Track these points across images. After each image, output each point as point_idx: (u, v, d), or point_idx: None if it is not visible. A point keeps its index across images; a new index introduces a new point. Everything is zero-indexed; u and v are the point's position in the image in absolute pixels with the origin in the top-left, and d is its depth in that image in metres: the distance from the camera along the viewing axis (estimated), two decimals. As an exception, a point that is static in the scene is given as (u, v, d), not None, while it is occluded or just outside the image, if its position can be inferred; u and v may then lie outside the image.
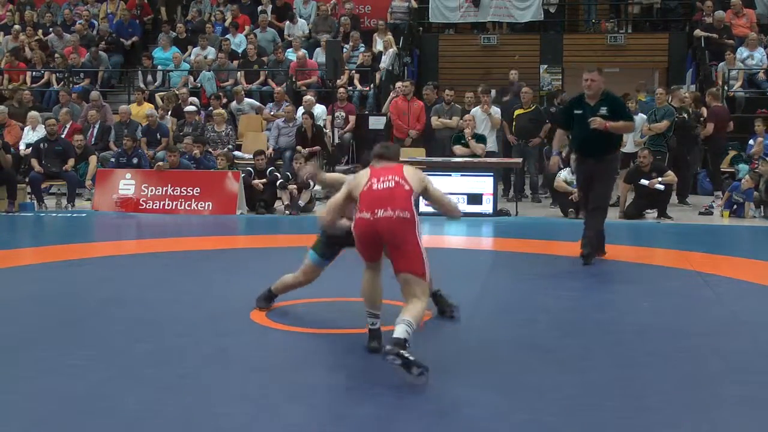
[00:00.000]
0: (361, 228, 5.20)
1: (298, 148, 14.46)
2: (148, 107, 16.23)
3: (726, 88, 16.26)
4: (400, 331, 4.84)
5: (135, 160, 14.06)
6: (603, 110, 8.66)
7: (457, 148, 13.56)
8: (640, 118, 13.80)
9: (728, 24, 17.56)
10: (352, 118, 15.91)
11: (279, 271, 6.68)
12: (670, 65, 19.57)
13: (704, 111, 14.54)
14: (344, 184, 5.55)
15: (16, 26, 19.70)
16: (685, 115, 13.83)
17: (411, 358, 4.75)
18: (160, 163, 13.75)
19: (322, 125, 15.32)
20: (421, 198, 5.44)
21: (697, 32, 17.80)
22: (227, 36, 18.64)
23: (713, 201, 13.50)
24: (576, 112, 8.84)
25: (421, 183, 5.31)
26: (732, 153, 15.11)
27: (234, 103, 16.53)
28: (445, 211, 5.59)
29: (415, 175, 5.30)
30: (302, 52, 17.30)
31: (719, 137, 14.29)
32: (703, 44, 17.55)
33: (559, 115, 9.13)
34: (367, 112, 15.88)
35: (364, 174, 5.39)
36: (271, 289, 6.55)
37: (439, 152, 14.01)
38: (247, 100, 16.67)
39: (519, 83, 15.86)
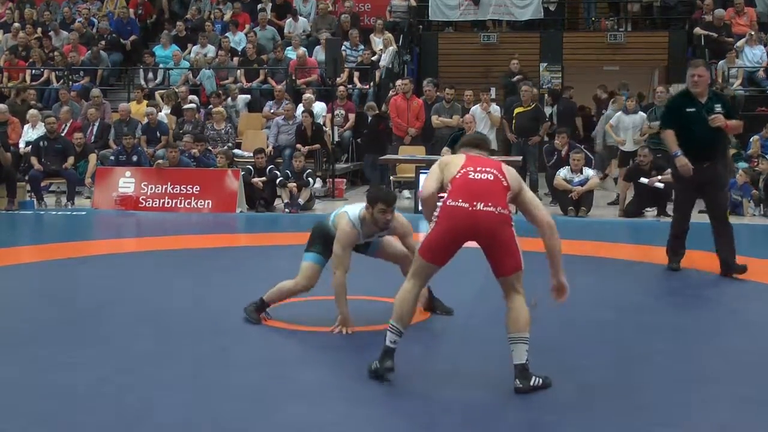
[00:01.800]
0: (456, 217, 4.67)
1: (298, 146, 14.46)
2: (149, 105, 16.23)
3: (726, 86, 16.24)
4: (521, 355, 4.63)
5: (135, 158, 14.05)
6: (718, 107, 7.92)
7: (444, 151, 13.46)
8: (640, 116, 13.80)
9: (728, 22, 17.55)
10: (351, 117, 15.91)
11: (279, 269, 6.68)
12: (669, 63, 19.56)
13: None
14: (434, 164, 5.06)
15: (16, 24, 19.68)
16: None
17: (539, 381, 4.61)
18: (160, 161, 13.74)
19: (321, 123, 15.32)
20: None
21: (697, 30, 17.78)
22: (227, 34, 18.64)
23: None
24: (688, 110, 7.94)
25: (518, 182, 4.89)
26: (732, 152, 15.09)
27: (229, 100, 16.54)
28: (532, 220, 4.94)
29: (512, 173, 4.89)
30: (302, 50, 17.29)
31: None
32: (703, 42, 17.54)
33: (668, 116, 8.23)
34: (366, 111, 15.85)
35: (458, 159, 4.93)
36: (263, 299, 6.26)
37: (439, 151, 13.99)
38: (240, 96, 16.71)
39: (521, 77, 15.83)
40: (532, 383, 4.61)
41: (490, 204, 4.66)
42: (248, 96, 17.02)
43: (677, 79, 17.94)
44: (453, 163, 4.89)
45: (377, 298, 6.59)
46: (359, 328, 5.93)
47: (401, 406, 4.48)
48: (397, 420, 4.31)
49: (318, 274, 6.14)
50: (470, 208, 4.64)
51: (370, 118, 15.41)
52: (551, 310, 6.64)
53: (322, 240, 6.17)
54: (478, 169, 4.80)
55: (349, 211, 5.96)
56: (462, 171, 4.79)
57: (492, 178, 4.76)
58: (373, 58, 17.29)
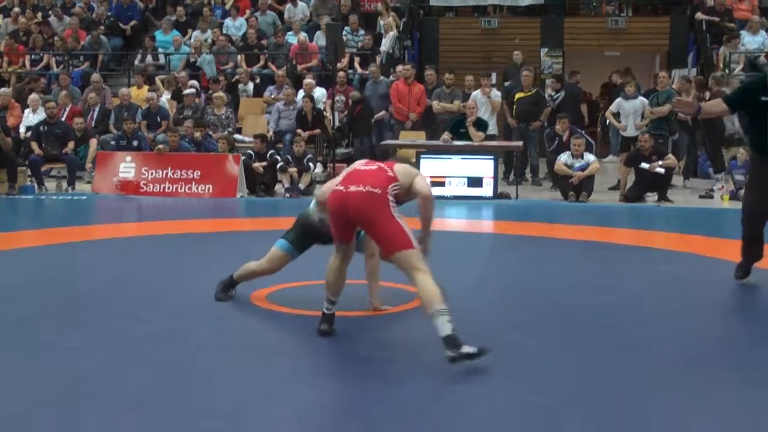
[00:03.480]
0: (333, 199, 5.14)
1: (299, 131, 14.45)
2: (150, 90, 16.21)
3: (727, 71, 16.21)
4: (443, 327, 4.68)
5: (135, 143, 14.04)
6: None
7: (445, 135, 13.45)
8: (641, 101, 13.78)
9: (729, 7, 17.50)
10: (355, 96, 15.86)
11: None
12: (671, 49, 19.51)
13: (707, 95, 14.50)
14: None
15: (16, 9, 19.64)
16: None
17: (472, 350, 4.64)
18: (160, 146, 13.73)
19: (322, 108, 15.30)
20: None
21: (699, 15, 17.73)
22: (226, 20, 18.60)
23: (714, 184, 13.49)
24: (763, 99, 6.86)
25: (410, 177, 5.21)
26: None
27: (241, 85, 16.59)
28: (414, 193, 5.20)
29: (404, 170, 5.25)
30: (303, 35, 17.26)
31: (719, 121, 14.26)
32: (704, 27, 17.50)
33: (737, 96, 7.22)
34: (351, 98, 15.78)
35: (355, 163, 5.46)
36: (233, 276, 6.40)
37: (440, 136, 14.00)
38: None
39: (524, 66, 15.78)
40: (464, 351, 4.64)
41: (361, 185, 5.04)
42: (257, 79, 16.98)
43: (679, 64, 17.94)
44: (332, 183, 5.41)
45: (380, 282, 6.59)
46: (358, 313, 5.94)
47: (400, 389, 4.48)
48: (395, 402, 4.31)
49: (283, 261, 6.18)
50: (344, 190, 5.08)
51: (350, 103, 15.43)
52: (551, 294, 6.67)
53: (299, 229, 6.17)
54: (368, 164, 5.31)
55: None
56: (353, 167, 5.32)
57: (375, 168, 5.21)
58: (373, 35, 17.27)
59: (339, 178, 5.33)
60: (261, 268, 6.25)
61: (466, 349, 4.66)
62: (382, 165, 5.26)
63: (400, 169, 5.23)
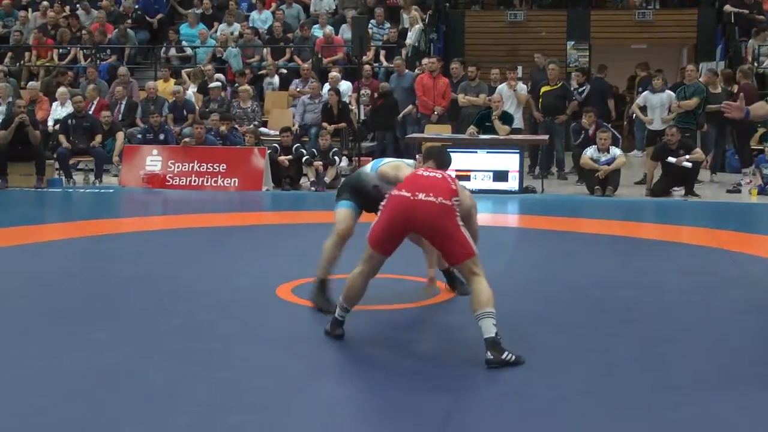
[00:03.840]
0: (397, 205, 4.92)
1: (324, 124, 14.46)
2: (176, 83, 16.28)
3: (756, 64, 16.08)
4: (488, 329, 4.73)
5: (162, 137, 14.11)
6: None
7: (471, 129, 13.42)
8: (668, 95, 13.70)
9: (759, -1, 17.35)
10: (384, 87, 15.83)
11: (304, 247, 6.69)
12: (698, 41, 19.35)
13: (735, 88, 14.40)
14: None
15: (45, 2, 19.77)
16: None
17: (512, 358, 4.69)
18: (186, 140, 13.80)
19: (347, 102, 15.31)
20: None
21: (727, 8, 17.58)
22: (252, 12, 18.64)
23: (741, 179, 13.40)
24: None
25: (469, 205, 5.24)
26: (761, 131, 14.96)
27: (268, 78, 16.65)
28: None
29: (466, 193, 5.23)
30: (329, 29, 17.27)
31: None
32: (732, 20, 17.34)
33: None
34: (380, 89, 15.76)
35: (413, 165, 5.52)
36: (320, 278, 5.99)
37: (465, 129, 13.97)
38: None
39: (549, 60, 15.69)
40: (504, 357, 4.69)
41: (431, 194, 4.85)
42: (284, 71, 17.02)
43: (706, 57, 17.79)
44: (407, 168, 5.43)
45: (405, 276, 6.61)
46: (384, 307, 5.95)
47: (424, 383, 4.49)
48: (420, 396, 4.32)
49: (352, 217, 5.95)
50: (411, 197, 4.87)
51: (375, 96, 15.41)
52: (577, 288, 6.65)
53: (349, 189, 6.04)
54: (429, 171, 5.12)
55: (406, 161, 5.93)
56: (414, 172, 5.19)
57: (440, 176, 5.02)
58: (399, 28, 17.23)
59: (402, 171, 5.38)
60: (337, 232, 5.91)
61: (506, 355, 4.70)
62: (444, 174, 5.08)
63: (456, 181, 5.08)
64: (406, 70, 15.65)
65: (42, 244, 8.61)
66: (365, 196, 5.89)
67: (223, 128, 13.95)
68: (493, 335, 4.71)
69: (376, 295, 5.98)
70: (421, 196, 4.85)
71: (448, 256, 5.05)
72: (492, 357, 4.67)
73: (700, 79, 13.96)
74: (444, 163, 5.42)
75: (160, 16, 19.43)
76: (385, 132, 15.14)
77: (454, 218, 4.88)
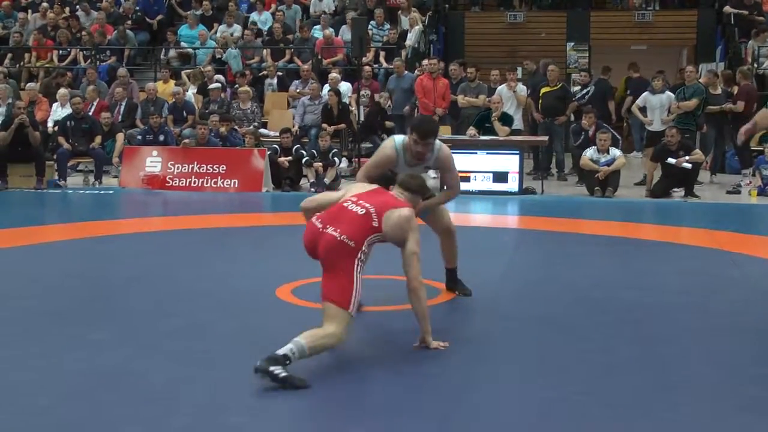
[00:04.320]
0: (308, 232, 4.90)
1: (324, 125, 14.47)
2: (176, 84, 16.29)
3: (755, 65, 16.09)
4: (284, 349, 4.45)
5: (161, 138, 14.11)
6: None
7: (470, 130, 13.42)
8: (667, 96, 13.70)
9: (758, 0, 17.34)
10: (377, 97, 15.88)
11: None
12: (698, 42, 19.38)
13: (735, 89, 14.42)
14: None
15: (44, 3, 19.78)
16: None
17: (282, 374, 4.37)
18: (186, 141, 13.80)
19: (347, 103, 15.31)
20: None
21: (727, 9, 17.60)
22: (252, 14, 18.65)
23: (741, 180, 13.41)
24: None
25: (400, 233, 4.85)
26: (761, 133, 14.97)
27: (268, 79, 16.65)
28: (409, 293, 4.92)
29: (395, 223, 4.84)
30: (329, 30, 17.28)
31: (747, 115, 14.17)
32: (732, 21, 17.35)
33: None
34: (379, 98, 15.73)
35: (354, 187, 5.15)
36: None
37: (465, 130, 13.98)
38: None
39: (545, 61, 15.70)
40: (274, 370, 4.36)
41: (339, 230, 4.74)
42: (279, 74, 17.04)
43: (706, 58, 17.80)
44: (344, 192, 5.09)
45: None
46: (385, 308, 5.95)
47: (425, 384, 4.49)
48: (421, 397, 4.32)
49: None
50: (320, 229, 4.81)
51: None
52: (576, 289, 6.65)
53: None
54: (359, 202, 4.90)
55: (396, 137, 5.96)
56: (344, 199, 4.96)
57: (363, 212, 4.83)
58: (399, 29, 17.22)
59: (332, 197, 5.17)
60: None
61: (279, 371, 4.38)
62: (372, 209, 4.84)
63: (392, 221, 4.84)
64: (406, 72, 15.65)
65: (42, 245, 8.61)
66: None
67: (223, 129, 13.96)
68: (282, 355, 4.41)
69: (376, 297, 5.98)
70: (329, 229, 4.76)
71: (325, 289, 4.74)
72: (261, 365, 4.37)
73: (700, 80, 13.97)
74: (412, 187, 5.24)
75: (160, 17, 19.44)
76: (374, 137, 14.97)
77: (350, 261, 4.70)
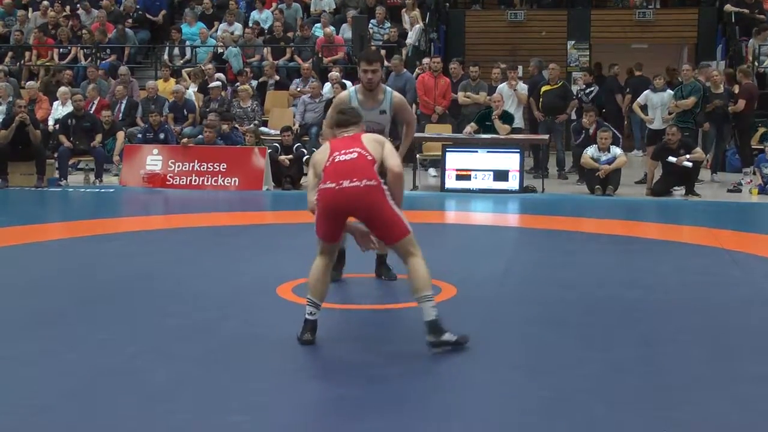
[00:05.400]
0: (326, 198, 4.98)
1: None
2: (177, 83, 16.28)
3: (756, 64, 16.08)
4: (428, 312, 4.81)
5: (162, 136, 14.11)
6: None
7: (470, 128, 13.42)
8: (668, 94, 13.70)
9: (759, -2, 17.35)
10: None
11: (305, 247, 6.66)
12: (699, 41, 19.35)
13: (736, 88, 14.41)
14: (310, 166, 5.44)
15: (45, 2, 19.77)
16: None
17: (453, 339, 4.78)
18: (185, 140, 13.80)
19: (348, 101, 15.28)
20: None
21: (728, 7, 17.58)
22: (253, 12, 18.64)
23: (742, 178, 13.41)
24: None
25: (379, 148, 5.16)
26: (761, 130, 14.97)
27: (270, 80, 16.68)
28: (390, 183, 5.13)
29: (372, 143, 5.16)
30: (330, 29, 17.26)
31: (748, 114, 14.17)
32: (733, 19, 17.33)
33: None
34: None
35: (325, 148, 5.25)
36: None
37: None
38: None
39: (540, 60, 15.69)
40: (444, 338, 4.79)
41: (355, 179, 4.93)
42: (277, 77, 17.02)
43: (706, 57, 17.78)
44: (321, 156, 5.19)
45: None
46: (385, 306, 5.95)
47: (423, 382, 4.49)
48: (419, 395, 4.32)
49: None
50: (336, 187, 4.93)
51: None
52: (577, 288, 6.65)
53: None
54: (343, 151, 5.08)
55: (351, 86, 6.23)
56: (330, 158, 5.09)
57: (356, 156, 5.04)
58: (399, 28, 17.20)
59: (311, 174, 5.33)
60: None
61: (447, 336, 4.79)
62: (356, 149, 5.08)
63: (369, 142, 5.15)
64: (404, 70, 15.63)
65: (43, 244, 8.61)
66: None
67: (224, 128, 13.95)
68: (433, 318, 4.81)
69: (376, 295, 5.99)
70: (346, 183, 4.92)
71: (383, 237, 5.06)
72: (432, 339, 4.79)
73: (700, 78, 13.96)
74: (351, 118, 5.46)
75: (163, 12, 19.40)
76: None
77: (382, 197, 4.95)
